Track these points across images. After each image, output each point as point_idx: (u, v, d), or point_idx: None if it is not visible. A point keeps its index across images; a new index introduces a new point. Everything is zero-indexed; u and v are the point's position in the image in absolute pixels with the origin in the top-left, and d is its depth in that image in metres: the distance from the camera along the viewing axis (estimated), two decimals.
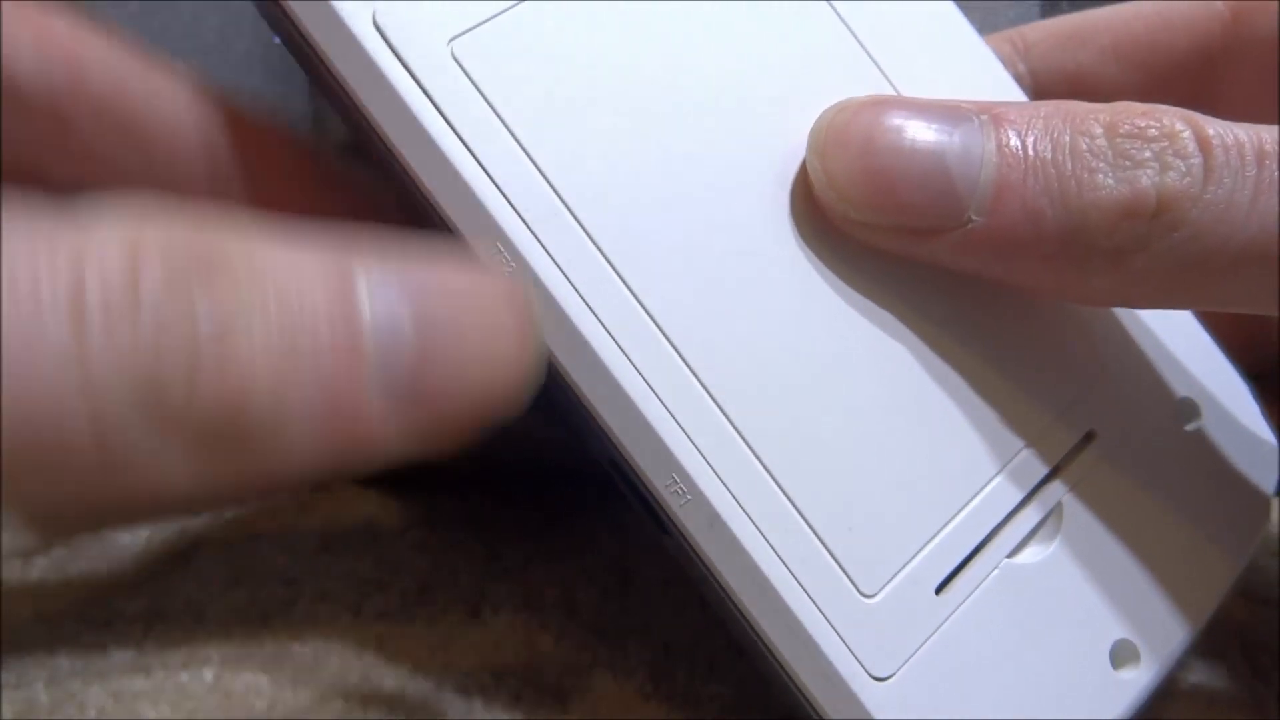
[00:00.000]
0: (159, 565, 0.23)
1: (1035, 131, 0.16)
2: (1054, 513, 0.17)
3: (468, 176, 0.15)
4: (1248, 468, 0.20)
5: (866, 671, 0.16)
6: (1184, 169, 0.15)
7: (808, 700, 0.16)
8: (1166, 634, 0.18)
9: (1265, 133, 0.16)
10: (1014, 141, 0.16)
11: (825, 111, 0.17)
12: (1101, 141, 0.16)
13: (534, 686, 0.21)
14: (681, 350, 0.16)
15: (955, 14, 0.20)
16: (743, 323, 0.16)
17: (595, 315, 0.15)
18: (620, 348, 0.15)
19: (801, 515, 0.16)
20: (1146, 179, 0.15)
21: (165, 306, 0.11)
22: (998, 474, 0.17)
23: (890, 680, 0.16)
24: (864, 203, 0.16)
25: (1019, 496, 0.17)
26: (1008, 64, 0.20)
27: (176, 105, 0.17)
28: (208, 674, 0.20)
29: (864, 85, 0.18)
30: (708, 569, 0.16)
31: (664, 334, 0.16)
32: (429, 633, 0.22)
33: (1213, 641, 0.23)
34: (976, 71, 0.20)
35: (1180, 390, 0.19)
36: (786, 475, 0.16)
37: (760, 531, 0.15)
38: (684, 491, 0.15)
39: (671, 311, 0.16)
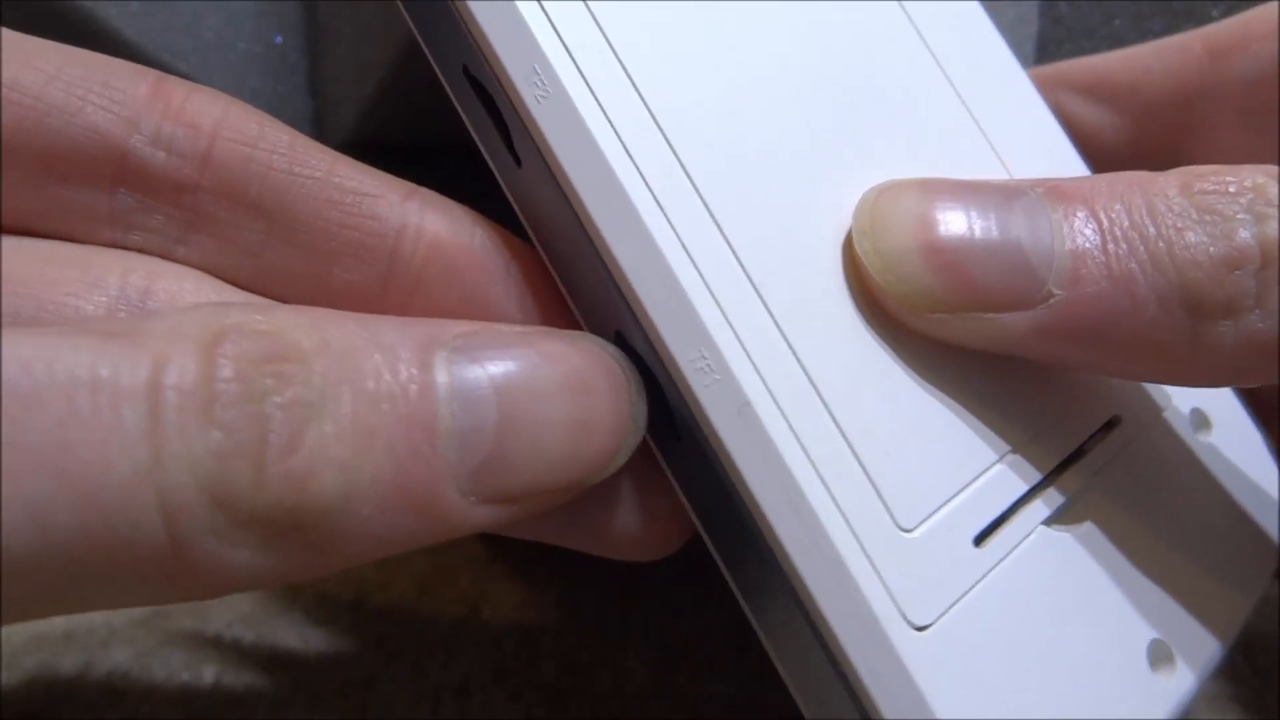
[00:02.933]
0: None
1: (1102, 197, 0.15)
2: (1082, 494, 0.17)
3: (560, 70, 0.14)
4: (1257, 495, 0.20)
5: (904, 616, 0.14)
6: None
7: (829, 644, 0.14)
8: (1199, 643, 0.17)
9: None
10: (1081, 210, 0.15)
11: (867, 194, 0.15)
12: (1180, 201, 0.15)
13: (534, 686, 0.21)
14: (723, 225, 0.14)
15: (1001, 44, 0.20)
16: (791, 216, 0.15)
17: (635, 165, 0.14)
18: (661, 209, 0.14)
19: (838, 424, 0.14)
20: (1244, 232, 0.14)
21: (236, 404, 0.11)
22: (1030, 438, 0.16)
23: (928, 631, 0.14)
24: (926, 282, 0.15)
25: (1050, 464, 0.16)
26: None
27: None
28: (208, 674, 0.20)
29: (939, 93, 0.18)
30: (725, 471, 0.14)
31: (705, 202, 0.14)
32: (429, 632, 0.22)
33: None
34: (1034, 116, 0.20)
35: (1192, 399, 0.19)
36: (827, 382, 0.14)
37: (793, 430, 0.14)
38: (711, 369, 0.14)
39: (717, 185, 0.14)
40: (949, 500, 0.15)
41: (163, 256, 0.15)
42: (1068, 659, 0.15)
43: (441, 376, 0.13)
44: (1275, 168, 0.15)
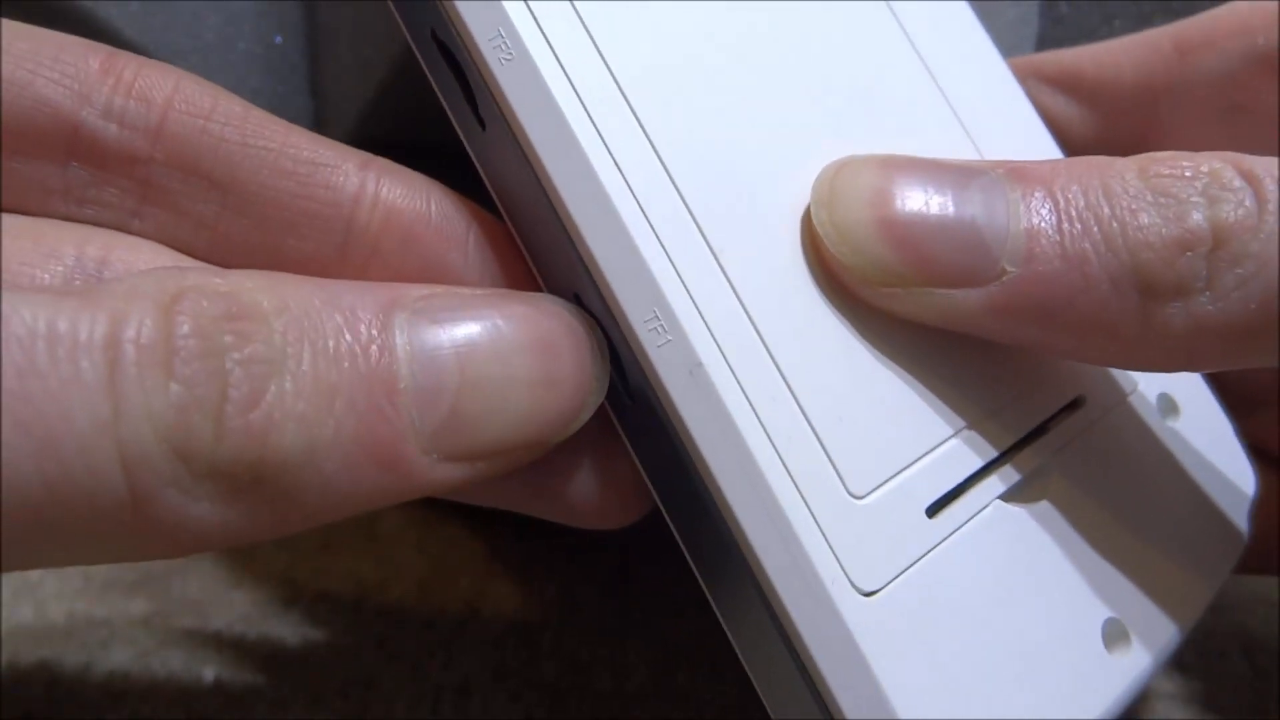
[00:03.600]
0: (159, 565, 0.23)
1: (1060, 179, 0.15)
2: (1041, 472, 0.17)
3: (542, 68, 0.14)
4: (1223, 483, 0.19)
5: (850, 580, 0.14)
6: (1235, 201, 0.14)
7: (774, 609, 0.14)
8: (1157, 625, 0.17)
9: None
10: (1039, 190, 0.15)
11: (828, 167, 0.16)
12: (1136, 183, 0.15)
13: (534, 686, 0.21)
14: (682, 189, 0.14)
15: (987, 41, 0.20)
16: (754, 186, 0.15)
17: (596, 127, 0.14)
18: (620, 171, 0.14)
19: (791, 390, 0.14)
20: (1196, 214, 0.14)
21: (195, 359, 0.12)
22: (990, 414, 0.16)
23: (875, 597, 0.14)
24: (881, 256, 0.15)
25: (1009, 441, 0.16)
26: None
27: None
28: (208, 674, 0.20)
29: (924, 92, 0.18)
30: (676, 433, 0.14)
31: (665, 166, 0.14)
32: (429, 633, 0.22)
33: (1213, 641, 0.23)
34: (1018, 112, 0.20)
35: (1160, 385, 0.19)
36: (782, 349, 0.14)
37: (744, 393, 0.14)
38: (664, 329, 0.14)
39: (679, 149, 0.14)
40: (903, 470, 0.15)
41: (118, 229, 0.15)
42: (1019, 632, 0.15)
43: (401, 337, 0.13)
44: (1233, 154, 0.15)
